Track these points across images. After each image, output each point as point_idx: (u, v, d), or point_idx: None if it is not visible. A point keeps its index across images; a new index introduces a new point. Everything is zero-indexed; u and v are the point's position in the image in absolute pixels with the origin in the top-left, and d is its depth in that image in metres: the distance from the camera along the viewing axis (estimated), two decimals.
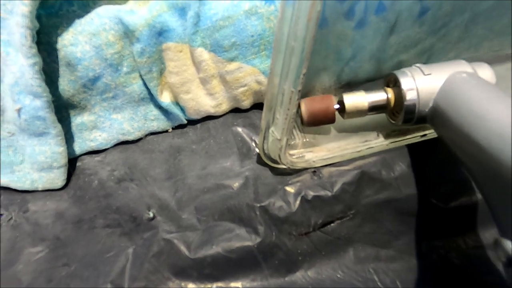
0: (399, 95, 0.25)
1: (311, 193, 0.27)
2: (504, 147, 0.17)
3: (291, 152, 0.29)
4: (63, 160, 0.27)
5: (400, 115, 0.26)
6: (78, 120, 0.29)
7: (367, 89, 0.34)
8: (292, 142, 0.29)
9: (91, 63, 0.26)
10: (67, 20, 0.25)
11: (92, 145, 0.30)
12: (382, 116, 0.28)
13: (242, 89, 0.30)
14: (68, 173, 0.29)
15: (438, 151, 0.29)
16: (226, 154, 0.30)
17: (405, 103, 0.25)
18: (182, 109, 0.31)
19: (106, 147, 0.31)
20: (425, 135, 0.29)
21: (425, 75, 0.24)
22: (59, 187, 0.28)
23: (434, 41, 0.33)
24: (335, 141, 0.30)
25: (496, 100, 0.20)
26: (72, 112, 0.29)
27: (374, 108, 0.27)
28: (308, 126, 0.28)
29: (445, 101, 0.23)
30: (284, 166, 0.28)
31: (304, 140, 0.30)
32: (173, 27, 0.27)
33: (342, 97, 0.27)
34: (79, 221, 0.27)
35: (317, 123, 0.27)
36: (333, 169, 0.28)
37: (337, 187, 0.27)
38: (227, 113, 0.32)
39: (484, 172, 0.19)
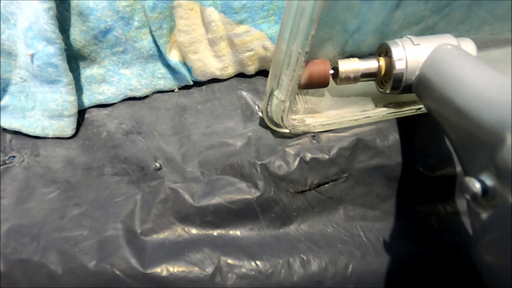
0: (390, 64, 0.27)
1: (309, 155, 0.28)
2: (479, 106, 0.19)
3: (293, 117, 0.30)
4: (74, 109, 0.28)
5: (388, 84, 0.28)
6: (87, 72, 0.30)
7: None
8: (294, 108, 0.31)
9: (103, 14, 0.26)
10: None
11: (101, 98, 0.31)
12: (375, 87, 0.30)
13: (248, 53, 0.31)
14: (77, 123, 0.30)
15: (427, 126, 0.31)
16: (230, 115, 0.31)
17: (394, 72, 0.26)
18: (189, 70, 0.32)
19: (114, 101, 0.31)
20: (419, 109, 0.31)
21: (414, 44, 0.26)
22: (69, 135, 0.29)
23: (437, 20, 0.33)
24: (334, 109, 0.31)
25: (474, 67, 0.22)
26: (82, 64, 0.30)
27: (366, 75, 0.28)
28: (303, 88, 0.29)
29: (430, 69, 0.25)
30: (285, 130, 0.29)
31: (306, 106, 0.31)
32: None
33: (337, 63, 0.28)
34: (88, 168, 0.28)
35: (312, 86, 0.29)
36: (331, 134, 0.30)
37: (333, 151, 0.29)
38: (232, 77, 0.33)
39: (459, 128, 0.21)
